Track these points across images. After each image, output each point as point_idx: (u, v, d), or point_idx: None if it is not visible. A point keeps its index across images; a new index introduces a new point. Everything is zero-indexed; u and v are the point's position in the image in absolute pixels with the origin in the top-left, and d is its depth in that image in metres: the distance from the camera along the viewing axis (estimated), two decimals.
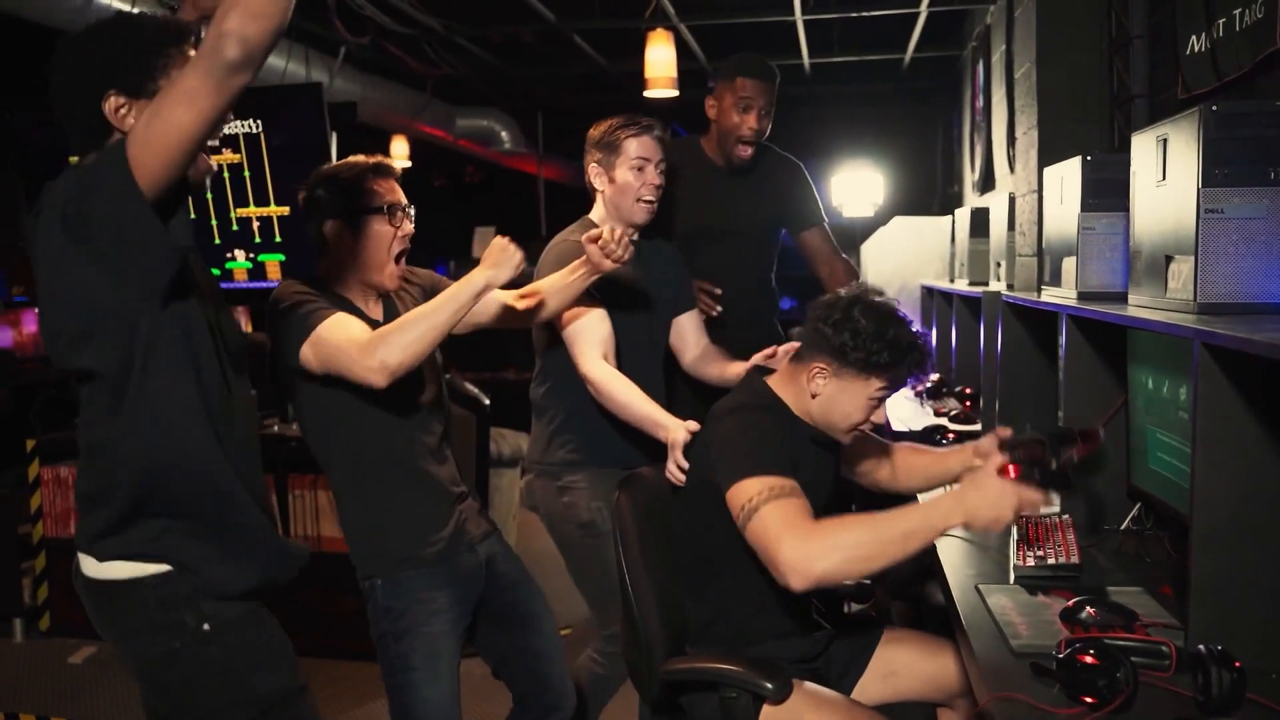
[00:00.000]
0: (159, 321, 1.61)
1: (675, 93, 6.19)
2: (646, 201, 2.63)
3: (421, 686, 2.20)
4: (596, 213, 2.70)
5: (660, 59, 6.16)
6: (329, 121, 3.76)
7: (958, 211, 5.07)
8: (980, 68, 6.36)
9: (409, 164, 8.63)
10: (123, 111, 1.64)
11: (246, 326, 8.75)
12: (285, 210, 3.92)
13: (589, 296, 2.50)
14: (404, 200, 2.27)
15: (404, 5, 6.20)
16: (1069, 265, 2.66)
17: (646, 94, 6.30)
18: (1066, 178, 2.69)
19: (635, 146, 2.60)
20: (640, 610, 2.06)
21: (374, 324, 2.20)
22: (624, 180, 2.61)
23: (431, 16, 6.57)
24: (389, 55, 6.89)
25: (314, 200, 2.27)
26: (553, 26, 6.90)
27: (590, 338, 2.53)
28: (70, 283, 1.59)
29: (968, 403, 4.10)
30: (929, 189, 10.51)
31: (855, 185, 9.94)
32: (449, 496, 2.30)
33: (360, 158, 2.29)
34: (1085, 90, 3.43)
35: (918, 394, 4.55)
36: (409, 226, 2.28)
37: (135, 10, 4.82)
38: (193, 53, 1.67)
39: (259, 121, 3.75)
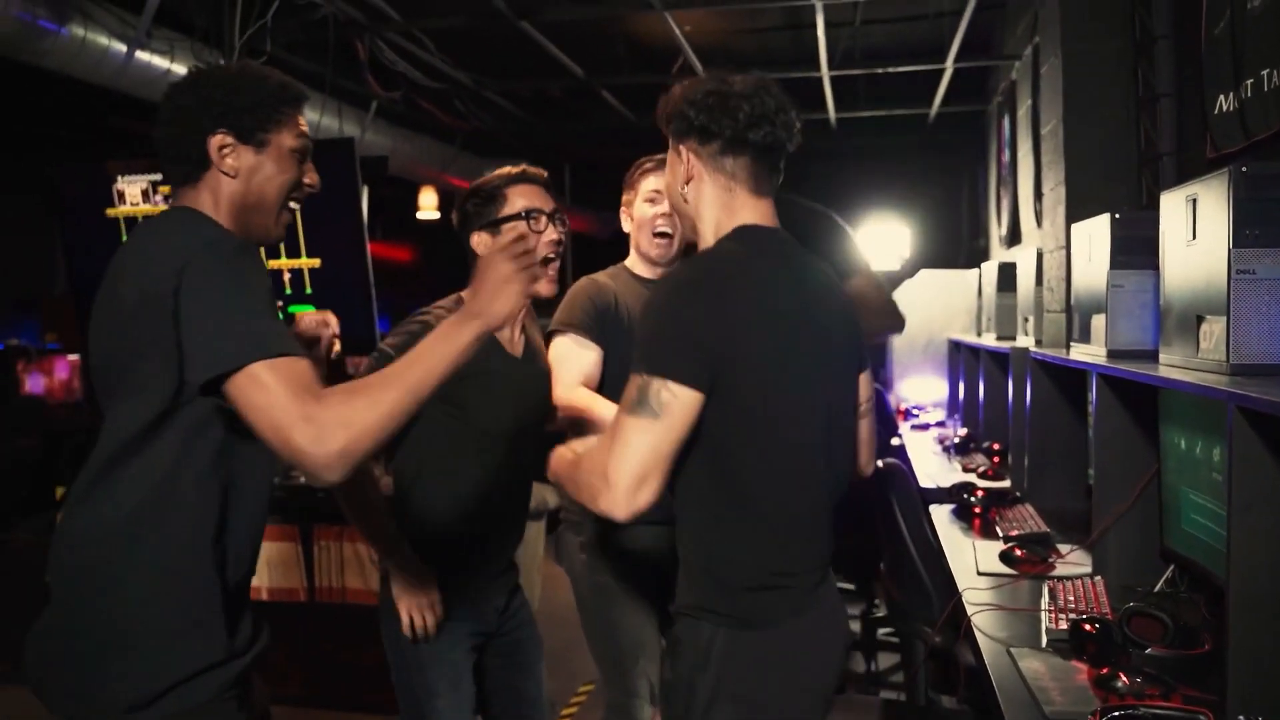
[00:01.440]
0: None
1: None
2: (659, 234, 2.57)
3: (446, 712, 2.19)
4: (631, 256, 2.69)
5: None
6: (361, 175, 3.81)
7: (985, 266, 5.06)
8: (1005, 122, 6.38)
9: (437, 215, 8.73)
10: (226, 151, 1.66)
11: None
12: (317, 262, 3.96)
13: (590, 336, 2.45)
14: (548, 205, 2.21)
15: (435, 61, 6.31)
16: (1098, 322, 2.65)
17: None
18: (1095, 234, 2.69)
19: (651, 181, 2.57)
20: None
21: (509, 359, 2.22)
22: (640, 215, 2.59)
23: (462, 71, 6.67)
24: (420, 109, 6.99)
25: (462, 214, 2.26)
26: (582, 81, 7.00)
27: (570, 366, 2.40)
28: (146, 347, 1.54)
29: (995, 458, 4.07)
30: (955, 242, 10.51)
31: (881, 238, 9.97)
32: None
33: (506, 168, 2.26)
34: (1112, 147, 3.44)
35: (945, 449, 4.52)
36: (553, 233, 2.18)
37: (171, 65, 4.93)
38: (303, 122, 1.75)
39: None
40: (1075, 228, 2.92)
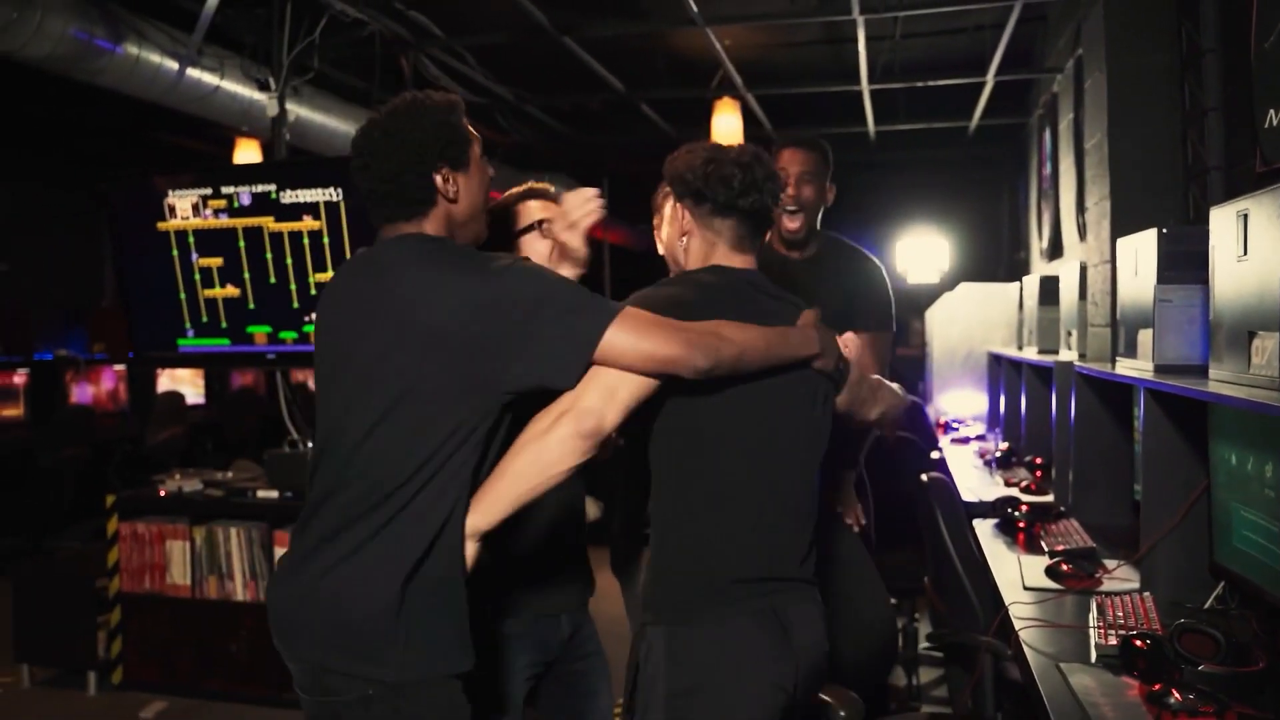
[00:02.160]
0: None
1: None
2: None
3: None
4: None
5: (727, 127, 6.26)
6: None
7: (1026, 279, 5.04)
8: (1047, 135, 6.36)
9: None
10: (449, 182, 1.82)
11: (312, 386, 8.95)
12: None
13: None
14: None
15: (477, 76, 6.38)
16: (1145, 337, 2.64)
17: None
18: (1142, 249, 2.68)
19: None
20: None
21: None
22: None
23: (503, 86, 6.74)
24: None
25: None
26: (622, 95, 7.05)
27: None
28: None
29: (1038, 472, 4.05)
30: (994, 255, 10.45)
31: (921, 251, 9.95)
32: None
33: (514, 189, 2.31)
34: (1158, 162, 3.42)
35: (986, 463, 4.51)
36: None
37: (221, 81, 5.03)
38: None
39: (339, 190, 3.86)
40: (1121, 242, 2.91)
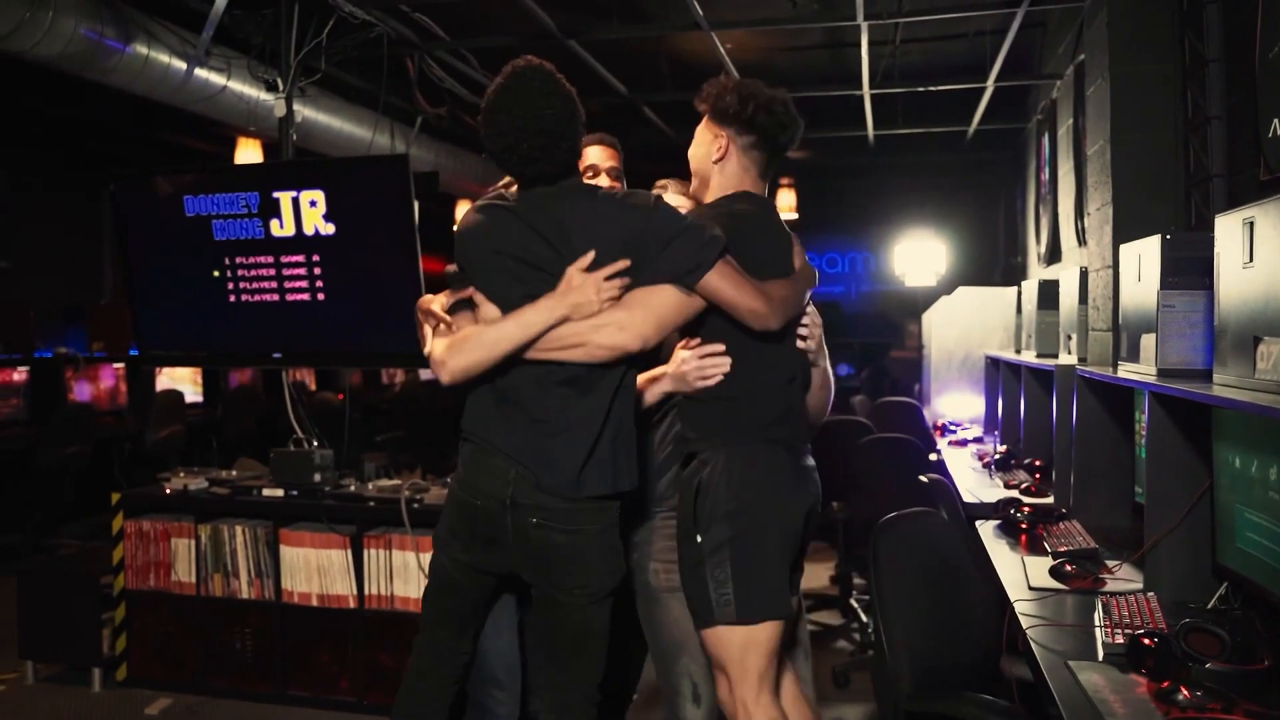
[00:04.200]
0: None
1: None
2: None
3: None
4: None
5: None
6: (414, 190, 3.88)
7: (1025, 283, 5.08)
8: (1045, 141, 6.41)
9: None
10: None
11: (311, 385, 8.97)
12: None
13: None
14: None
15: (480, 77, 6.41)
16: (1148, 341, 2.68)
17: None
18: (1145, 255, 2.72)
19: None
20: (890, 648, 2.19)
21: None
22: None
23: None
24: (464, 125, 7.10)
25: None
26: (624, 98, 7.08)
27: None
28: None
29: (1037, 475, 4.09)
30: (991, 259, 10.51)
31: (918, 255, 9.99)
32: None
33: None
34: (1160, 169, 3.46)
35: (985, 466, 4.55)
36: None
37: (228, 82, 5.05)
38: None
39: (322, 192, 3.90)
40: (1124, 248, 2.95)
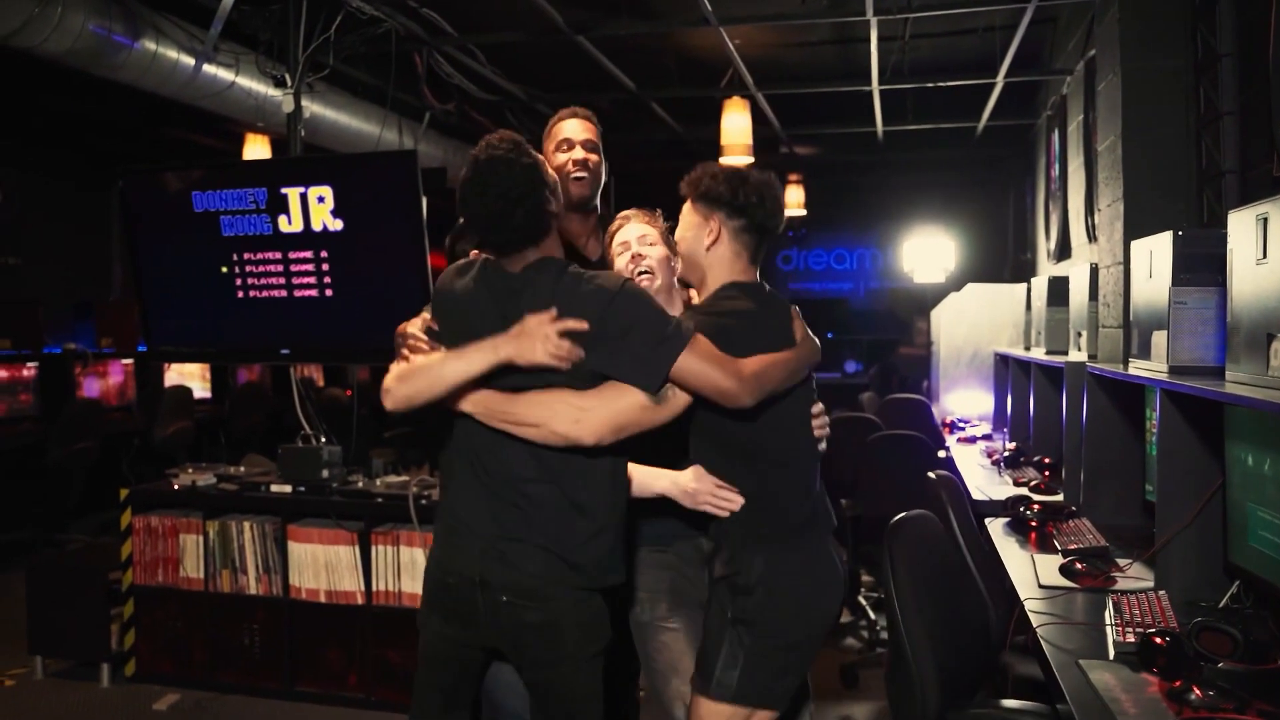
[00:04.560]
0: None
1: (750, 159, 6.29)
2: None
3: None
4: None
5: (736, 126, 6.29)
6: (421, 186, 3.87)
7: (1034, 280, 5.06)
8: (1055, 137, 6.38)
9: None
10: (556, 209, 2.21)
11: (319, 381, 8.98)
12: None
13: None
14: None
15: (489, 73, 6.40)
16: (1159, 338, 2.66)
17: (722, 160, 6.42)
18: (1156, 251, 2.70)
19: (626, 231, 2.62)
20: (916, 659, 2.16)
21: None
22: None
23: (514, 84, 6.76)
24: (472, 121, 7.09)
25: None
26: (632, 94, 7.07)
27: None
28: None
29: (1046, 472, 4.07)
30: (1000, 256, 10.48)
31: (927, 251, 9.96)
32: None
33: None
34: (1171, 165, 3.44)
35: (994, 463, 4.53)
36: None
37: (236, 78, 5.05)
38: None
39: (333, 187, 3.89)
40: (1135, 244, 2.93)
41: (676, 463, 2.34)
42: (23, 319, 7.64)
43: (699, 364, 2.10)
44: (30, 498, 6.76)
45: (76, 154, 8.40)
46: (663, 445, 2.32)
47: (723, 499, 2.24)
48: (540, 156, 2.22)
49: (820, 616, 2.27)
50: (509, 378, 2.13)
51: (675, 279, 2.60)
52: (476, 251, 2.35)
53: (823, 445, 2.39)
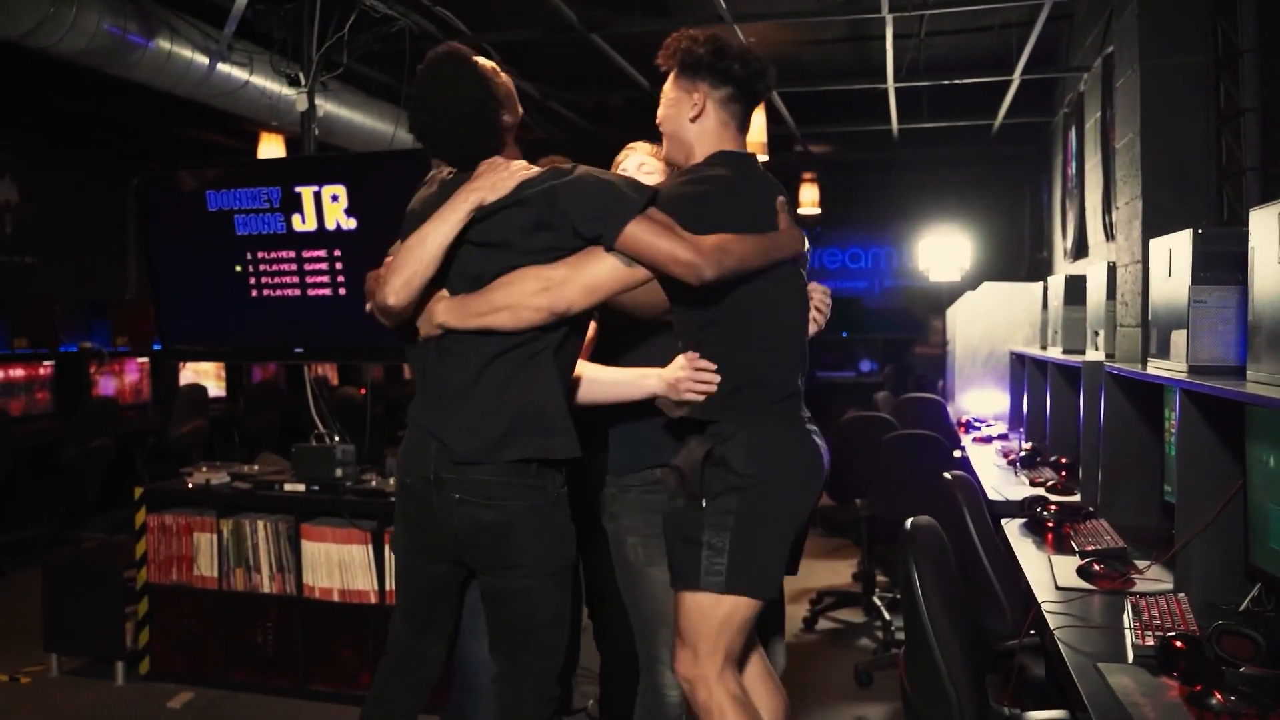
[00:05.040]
0: None
1: (765, 157, 6.25)
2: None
3: None
4: None
5: (751, 124, 6.25)
6: None
7: (1051, 279, 5.02)
8: (1072, 134, 6.34)
9: None
10: (506, 116, 2.22)
11: (333, 380, 8.99)
12: None
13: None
14: None
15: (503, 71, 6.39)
16: (1179, 338, 2.63)
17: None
18: (1176, 249, 2.67)
19: (633, 159, 2.67)
20: (950, 672, 2.06)
21: None
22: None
23: (528, 82, 6.76)
24: None
25: None
26: (644, 91, 7.05)
27: None
28: None
29: (1064, 472, 4.04)
30: (1016, 254, 10.42)
31: (942, 249, 9.91)
32: None
33: None
34: (1191, 162, 3.41)
35: (1010, 463, 4.50)
36: None
37: (250, 77, 5.05)
38: None
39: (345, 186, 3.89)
40: (1154, 242, 2.90)
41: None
42: (39, 318, 7.68)
43: (654, 233, 2.04)
44: (47, 495, 6.80)
45: (92, 153, 8.44)
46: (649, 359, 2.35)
47: (701, 377, 2.18)
48: (488, 68, 2.19)
49: (803, 489, 2.22)
50: (472, 266, 2.15)
51: None
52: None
53: (813, 329, 2.36)
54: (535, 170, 2.14)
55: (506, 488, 2.13)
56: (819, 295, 2.41)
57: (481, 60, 2.23)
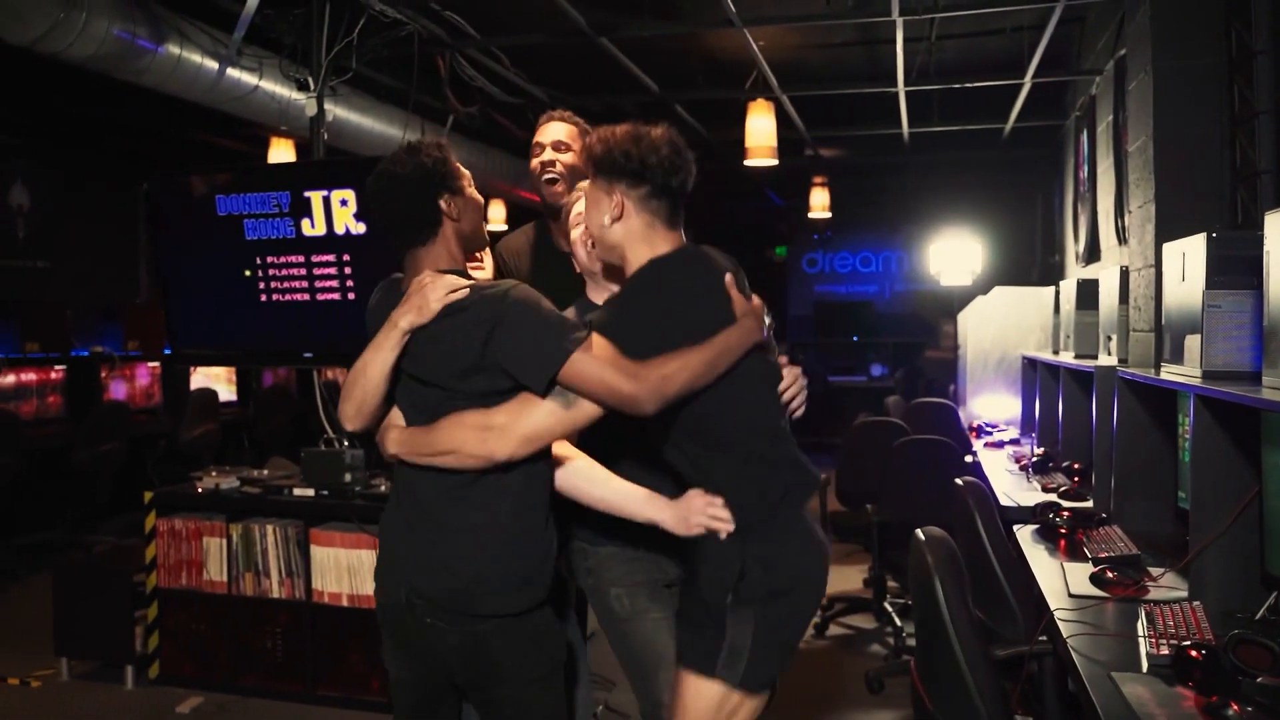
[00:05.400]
0: None
1: (775, 161, 6.25)
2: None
3: None
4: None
5: (760, 128, 6.24)
6: None
7: (1063, 283, 4.99)
8: (1084, 138, 6.30)
9: (505, 228, 8.82)
10: (450, 205, 2.16)
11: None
12: None
13: None
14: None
15: (512, 76, 6.39)
16: (1193, 343, 2.61)
17: (746, 162, 6.39)
18: (1189, 253, 2.65)
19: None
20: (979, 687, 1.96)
21: None
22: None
23: (537, 86, 6.75)
24: (495, 124, 7.08)
25: None
26: (655, 96, 7.04)
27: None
28: None
29: (1076, 478, 4.01)
30: (1028, 258, 10.37)
31: (953, 254, 9.88)
32: None
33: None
34: (1205, 165, 3.37)
35: (1022, 468, 4.47)
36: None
37: (260, 81, 5.06)
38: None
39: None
40: (1167, 246, 2.88)
41: (641, 472, 2.29)
42: (51, 322, 7.71)
43: (592, 367, 1.98)
44: (58, 499, 6.82)
45: (104, 158, 8.47)
46: (621, 454, 2.29)
47: (713, 513, 2.11)
48: (435, 158, 2.14)
49: (821, 590, 2.23)
50: (416, 397, 2.14)
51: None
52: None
53: (798, 412, 2.27)
54: (464, 290, 2.07)
55: (474, 604, 2.07)
56: (789, 380, 2.26)
57: (430, 145, 2.19)
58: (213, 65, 4.77)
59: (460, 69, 5.99)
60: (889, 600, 5.00)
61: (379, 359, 2.11)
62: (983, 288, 7.85)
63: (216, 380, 8.48)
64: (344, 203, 3.94)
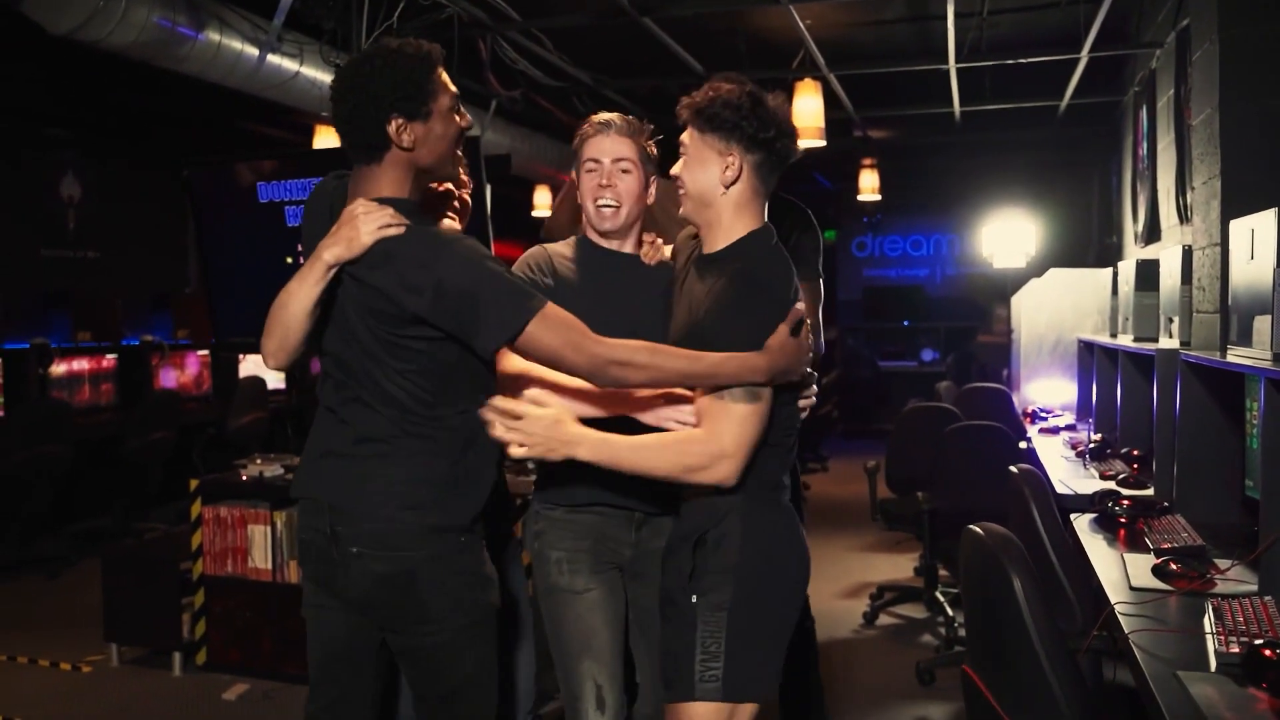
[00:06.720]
0: None
1: (822, 143, 6.12)
2: (601, 205, 2.31)
3: None
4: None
5: (808, 109, 6.12)
6: (485, 173, 3.82)
7: (1121, 264, 4.85)
8: (1144, 114, 6.11)
9: (549, 215, 8.77)
10: (402, 132, 1.93)
11: None
12: None
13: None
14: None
15: (555, 59, 6.33)
16: (1262, 324, 2.49)
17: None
18: (1259, 230, 2.53)
19: (587, 149, 2.33)
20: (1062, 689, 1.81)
21: None
22: (583, 185, 2.33)
23: (581, 69, 6.69)
24: (538, 108, 7.03)
25: None
26: (701, 78, 6.94)
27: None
28: None
29: (1135, 465, 3.88)
30: (1084, 240, 10.15)
31: (1007, 235, 9.68)
32: None
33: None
34: (1275, 137, 3.23)
35: (1079, 455, 4.34)
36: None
37: (300, 67, 5.04)
38: (446, 76, 2.00)
39: None
40: (1234, 223, 2.76)
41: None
42: (102, 311, 7.80)
43: (547, 336, 1.88)
44: (110, 486, 6.91)
45: (153, 147, 8.54)
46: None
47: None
48: (400, 73, 1.91)
49: (801, 584, 2.10)
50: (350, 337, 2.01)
51: (642, 213, 2.34)
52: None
53: (804, 414, 2.17)
54: (399, 228, 1.91)
55: (404, 535, 1.96)
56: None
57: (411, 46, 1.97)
58: (253, 52, 4.76)
59: (502, 52, 5.94)
60: (940, 589, 4.90)
61: (301, 293, 1.95)
62: (1037, 270, 7.68)
63: (265, 369, 8.53)
64: None
